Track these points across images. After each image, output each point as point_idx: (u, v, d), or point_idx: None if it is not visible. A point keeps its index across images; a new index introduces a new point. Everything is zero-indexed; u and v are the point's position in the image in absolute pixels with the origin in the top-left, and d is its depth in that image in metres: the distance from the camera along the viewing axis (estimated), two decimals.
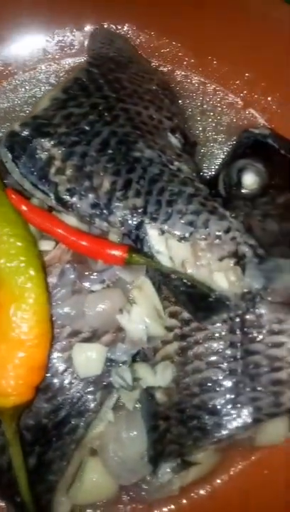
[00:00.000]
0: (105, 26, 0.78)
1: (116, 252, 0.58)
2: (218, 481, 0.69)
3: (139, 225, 0.59)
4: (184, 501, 0.69)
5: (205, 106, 0.79)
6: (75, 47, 0.78)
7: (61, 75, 0.79)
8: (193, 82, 0.79)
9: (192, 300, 0.59)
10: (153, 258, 0.59)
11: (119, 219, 0.59)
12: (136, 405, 0.64)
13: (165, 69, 0.78)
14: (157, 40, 0.77)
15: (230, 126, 0.78)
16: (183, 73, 0.79)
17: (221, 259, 0.58)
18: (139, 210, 0.59)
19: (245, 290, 0.57)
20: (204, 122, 0.78)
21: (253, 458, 0.70)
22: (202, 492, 0.69)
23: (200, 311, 0.59)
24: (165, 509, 0.69)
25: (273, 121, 0.77)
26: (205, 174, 0.76)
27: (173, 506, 0.69)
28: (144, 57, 0.78)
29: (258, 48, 0.74)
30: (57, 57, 0.78)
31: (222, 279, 0.58)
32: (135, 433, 0.63)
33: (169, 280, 0.59)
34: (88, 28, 0.76)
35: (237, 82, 0.77)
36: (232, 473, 0.69)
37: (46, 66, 0.79)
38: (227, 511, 0.69)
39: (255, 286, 0.57)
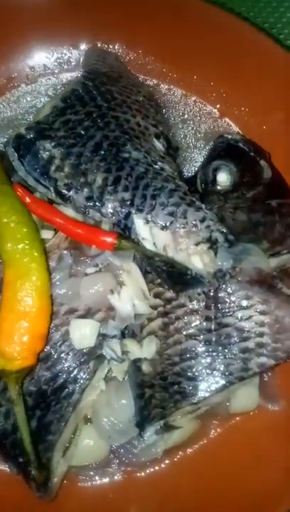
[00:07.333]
0: (98, 45, 0.83)
1: (107, 239, 0.64)
2: (196, 446, 0.73)
3: (127, 216, 0.66)
4: (167, 462, 0.72)
5: (186, 115, 0.85)
6: (72, 63, 0.84)
7: (58, 87, 0.85)
8: (176, 94, 0.85)
9: (171, 277, 0.65)
10: (139, 244, 0.65)
11: (110, 210, 0.66)
12: (125, 376, 0.69)
13: (151, 83, 0.85)
14: (144, 57, 0.84)
15: (207, 133, 0.84)
16: (166, 86, 0.85)
17: (197, 244, 0.64)
18: (127, 203, 0.66)
19: (217, 269, 0.63)
20: (185, 130, 0.85)
21: (229, 424, 0.73)
22: (182, 455, 0.73)
23: (178, 285, 0.65)
24: (148, 471, 0.72)
25: (245, 128, 0.83)
26: (185, 175, 0.81)
27: (157, 468, 0.72)
28: (132, 72, 0.83)
29: (231, 66, 0.81)
30: (55, 71, 0.85)
31: (198, 260, 0.64)
32: (124, 401, 0.69)
33: (152, 262, 0.66)
34: (83, 46, 0.83)
35: (214, 94, 0.84)
36: (211, 437, 0.73)
37: (46, 80, 0.85)
38: (204, 473, 0.72)
39: (225, 265, 0.63)
